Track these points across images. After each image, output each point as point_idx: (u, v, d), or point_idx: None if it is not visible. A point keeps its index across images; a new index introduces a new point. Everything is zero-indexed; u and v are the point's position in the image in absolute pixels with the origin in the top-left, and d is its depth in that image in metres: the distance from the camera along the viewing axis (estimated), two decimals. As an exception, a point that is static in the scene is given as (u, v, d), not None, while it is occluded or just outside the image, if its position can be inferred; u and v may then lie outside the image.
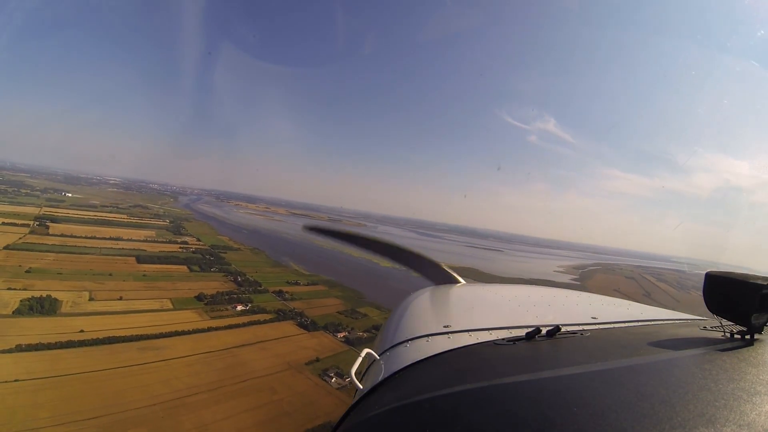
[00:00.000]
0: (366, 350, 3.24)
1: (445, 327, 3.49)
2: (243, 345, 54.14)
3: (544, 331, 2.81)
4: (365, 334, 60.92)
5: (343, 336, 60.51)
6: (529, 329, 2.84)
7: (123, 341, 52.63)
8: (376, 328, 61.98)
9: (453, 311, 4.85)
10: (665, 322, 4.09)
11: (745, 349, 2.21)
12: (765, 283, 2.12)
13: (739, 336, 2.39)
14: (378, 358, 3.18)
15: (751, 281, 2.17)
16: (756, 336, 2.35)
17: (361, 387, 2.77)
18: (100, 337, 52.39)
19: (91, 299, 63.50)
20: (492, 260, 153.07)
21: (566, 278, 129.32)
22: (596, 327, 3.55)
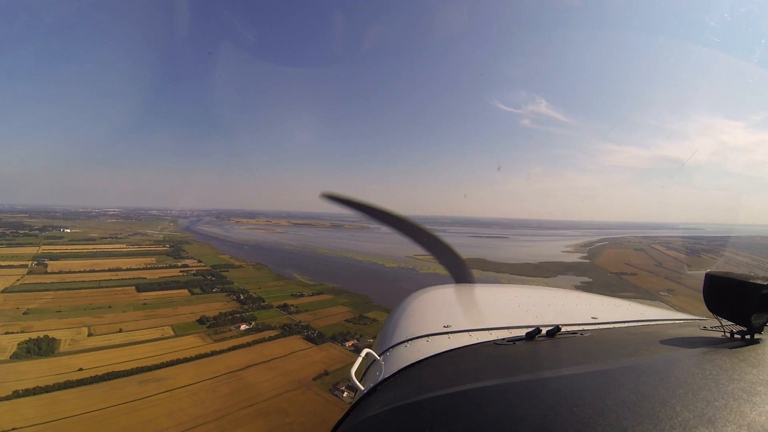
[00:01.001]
0: (366, 350, 3.21)
1: (445, 327, 3.52)
2: (248, 366, 51.07)
3: (544, 331, 2.83)
4: (374, 340, 57.69)
5: (352, 345, 57.28)
6: (529, 329, 2.84)
7: (123, 376, 49.91)
8: (386, 332, 59.65)
9: (453, 311, 4.86)
10: (665, 322, 4.09)
11: (745, 349, 2.17)
12: (765, 283, 2.08)
13: (739, 336, 2.34)
14: (378, 358, 3.18)
15: (751, 281, 2.14)
16: (756, 336, 2.29)
17: (362, 387, 2.75)
18: (100, 373, 49.77)
19: (90, 335, 61.27)
20: (498, 248, 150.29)
21: (575, 257, 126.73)
22: (596, 327, 3.58)
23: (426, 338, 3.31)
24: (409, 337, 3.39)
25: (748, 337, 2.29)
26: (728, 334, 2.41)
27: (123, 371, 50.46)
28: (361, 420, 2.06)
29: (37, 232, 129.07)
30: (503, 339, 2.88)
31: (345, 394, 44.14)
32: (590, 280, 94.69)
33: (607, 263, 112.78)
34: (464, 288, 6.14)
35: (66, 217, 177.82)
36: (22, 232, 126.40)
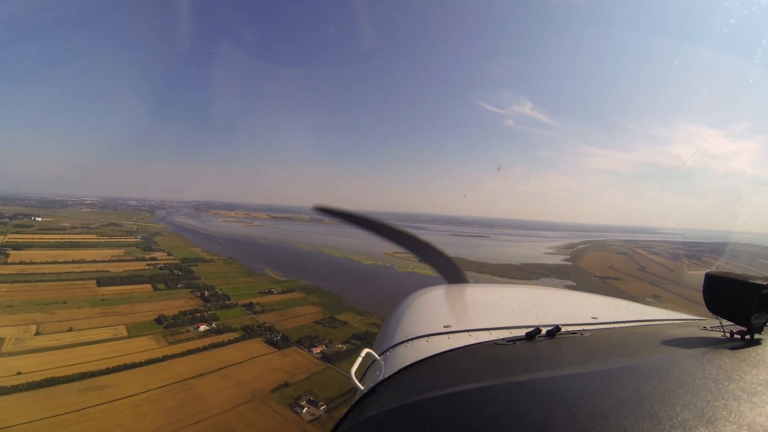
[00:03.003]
0: (366, 350, 3.17)
1: (445, 327, 3.50)
2: (201, 374, 45.49)
3: (544, 331, 2.81)
4: (345, 346, 52.63)
5: (320, 351, 51.77)
6: (529, 329, 2.82)
7: (64, 382, 44.43)
8: (358, 338, 54.37)
9: (453, 311, 4.82)
10: (665, 322, 4.06)
11: (745, 349, 2.17)
12: (765, 283, 2.08)
13: (739, 336, 2.33)
14: (378, 358, 3.16)
15: (751, 281, 2.13)
16: (756, 336, 2.28)
17: (362, 387, 2.73)
18: (38, 379, 44.20)
19: (37, 333, 55.65)
20: (478, 247, 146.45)
21: (558, 259, 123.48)
22: (596, 327, 3.55)
23: (426, 338, 3.28)
24: (409, 337, 3.35)
25: (748, 337, 2.27)
26: (728, 334, 2.38)
27: (64, 377, 44.90)
28: (361, 420, 2.06)
29: (6, 220, 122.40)
30: (503, 339, 2.86)
31: (305, 410, 38.96)
32: (574, 284, 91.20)
33: (591, 266, 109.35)
34: (464, 288, 6.09)
35: (41, 206, 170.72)
36: None
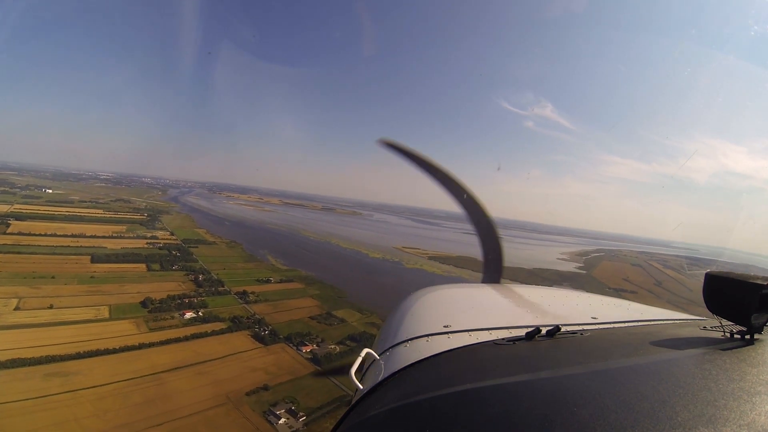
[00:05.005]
0: (366, 350, 3.13)
1: (445, 327, 3.44)
2: (176, 368, 40.76)
3: (544, 331, 2.77)
4: (338, 347, 47.65)
5: (310, 351, 46.53)
6: (529, 329, 2.78)
7: (30, 364, 40.53)
8: (354, 338, 48.93)
9: (453, 311, 4.54)
10: (665, 322, 4.03)
11: (745, 349, 2.16)
12: (765, 283, 2.06)
13: (739, 336, 2.32)
14: (378, 357, 3.14)
15: (751, 281, 2.12)
16: (756, 336, 2.27)
17: (361, 387, 2.72)
18: (4, 359, 40.28)
19: (16, 308, 52.00)
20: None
21: (571, 266, 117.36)
22: (596, 327, 3.50)
23: (426, 338, 3.22)
24: (409, 337, 3.29)
25: (747, 337, 2.26)
26: (728, 334, 2.37)
27: (31, 359, 40.94)
28: (361, 420, 2.06)
29: (17, 190, 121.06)
30: (503, 339, 2.83)
31: (281, 421, 33.94)
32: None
33: (605, 277, 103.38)
34: (464, 288, 6.14)
35: (55, 178, 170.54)
36: (2, 189, 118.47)
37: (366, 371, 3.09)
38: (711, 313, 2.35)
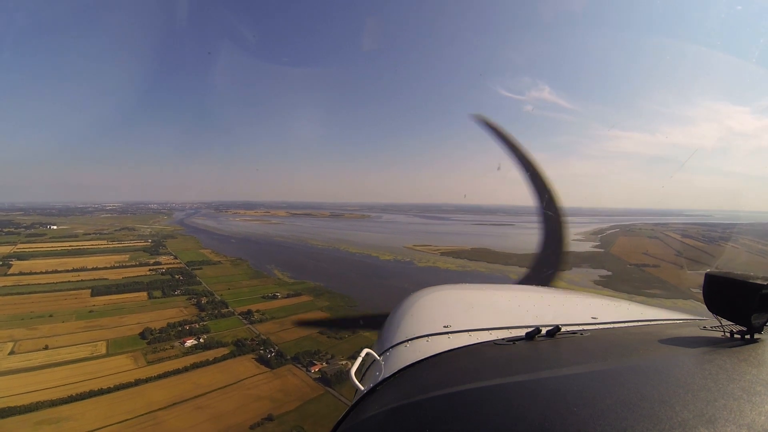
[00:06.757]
0: (366, 350, 3.11)
1: (445, 327, 3.43)
2: (174, 404, 37.02)
3: (544, 331, 2.77)
4: (350, 362, 43.24)
5: (319, 370, 42.62)
6: (529, 329, 2.78)
7: (21, 412, 37.53)
8: (366, 350, 45.49)
9: (453, 311, 4.43)
10: (665, 322, 3.98)
11: (745, 349, 2.13)
12: (765, 283, 2.04)
13: (739, 336, 2.29)
14: (378, 358, 3.10)
15: (751, 281, 2.10)
16: (756, 336, 2.25)
17: (361, 387, 2.68)
18: (-6, 409, 37.26)
19: (11, 353, 49.43)
20: (505, 236, 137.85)
21: (587, 246, 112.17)
22: (596, 327, 3.48)
23: (426, 338, 3.21)
24: (409, 337, 3.28)
25: (748, 337, 2.24)
26: (728, 334, 2.35)
27: (21, 407, 37.89)
28: (361, 420, 2.05)
29: (22, 230, 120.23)
30: (503, 339, 2.82)
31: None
32: (609, 273, 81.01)
33: (624, 253, 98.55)
34: (464, 288, 5.95)
35: (62, 214, 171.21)
36: (7, 230, 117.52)
37: (366, 371, 3.03)
38: (711, 313, 2.31)
